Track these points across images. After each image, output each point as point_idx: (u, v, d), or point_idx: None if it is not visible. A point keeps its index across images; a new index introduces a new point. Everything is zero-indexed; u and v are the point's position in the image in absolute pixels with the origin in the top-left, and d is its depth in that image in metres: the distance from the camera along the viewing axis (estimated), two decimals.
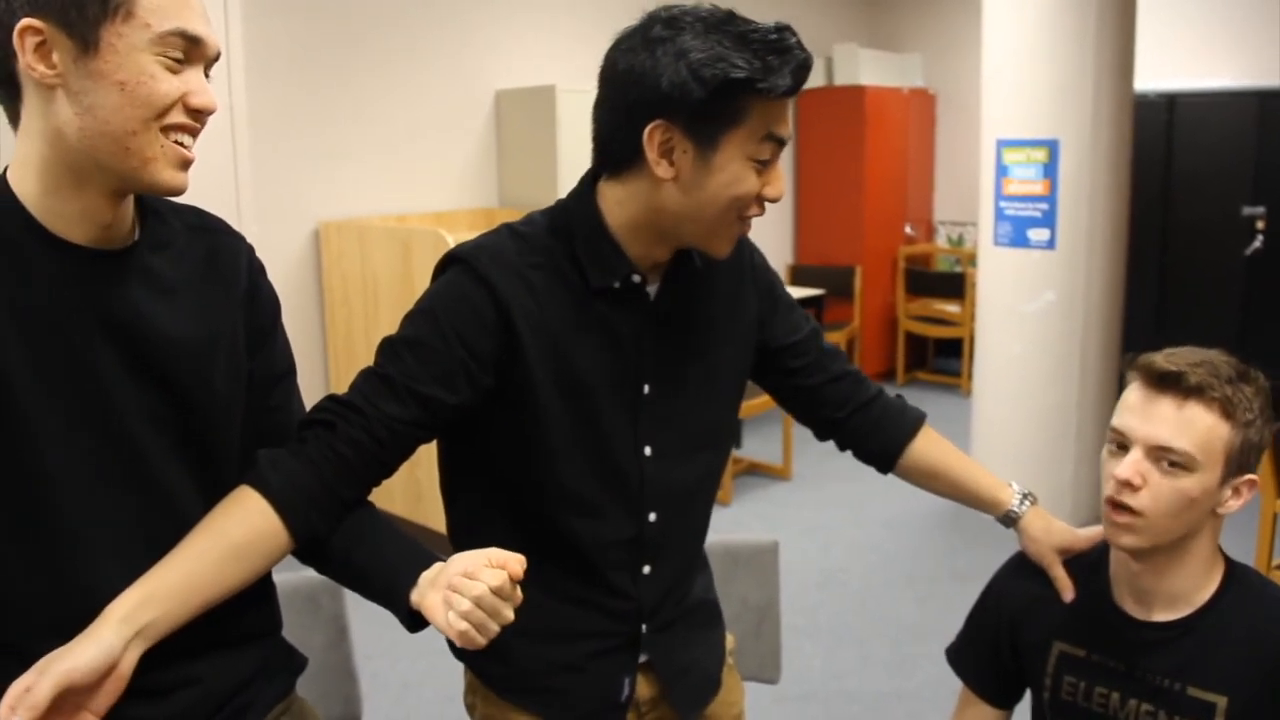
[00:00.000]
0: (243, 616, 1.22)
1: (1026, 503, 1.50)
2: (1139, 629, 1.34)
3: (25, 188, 1.06)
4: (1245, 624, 1.29)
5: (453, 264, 1.28)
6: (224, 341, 1.19)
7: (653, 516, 1.35)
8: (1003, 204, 4.33)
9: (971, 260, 6.30)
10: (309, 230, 4.41)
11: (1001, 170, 4.32)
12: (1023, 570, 1.49)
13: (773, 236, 6.84)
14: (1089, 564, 1.43)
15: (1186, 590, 1.32)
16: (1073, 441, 4.30)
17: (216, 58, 1.08)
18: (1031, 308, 4.26)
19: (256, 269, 1.26)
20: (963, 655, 1.55)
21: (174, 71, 1.03)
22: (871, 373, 6.79)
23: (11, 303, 1.04)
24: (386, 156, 4.66)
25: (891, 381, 6.90)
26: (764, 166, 1.22)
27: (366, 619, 1.48)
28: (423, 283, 1.39)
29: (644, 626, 1.38)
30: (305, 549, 1.24)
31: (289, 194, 4.31)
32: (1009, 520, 1.51)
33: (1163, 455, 1.24)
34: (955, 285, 6.52)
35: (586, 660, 1.37)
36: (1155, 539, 1.27)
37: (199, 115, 1.06)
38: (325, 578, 1.65)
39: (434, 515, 3.80)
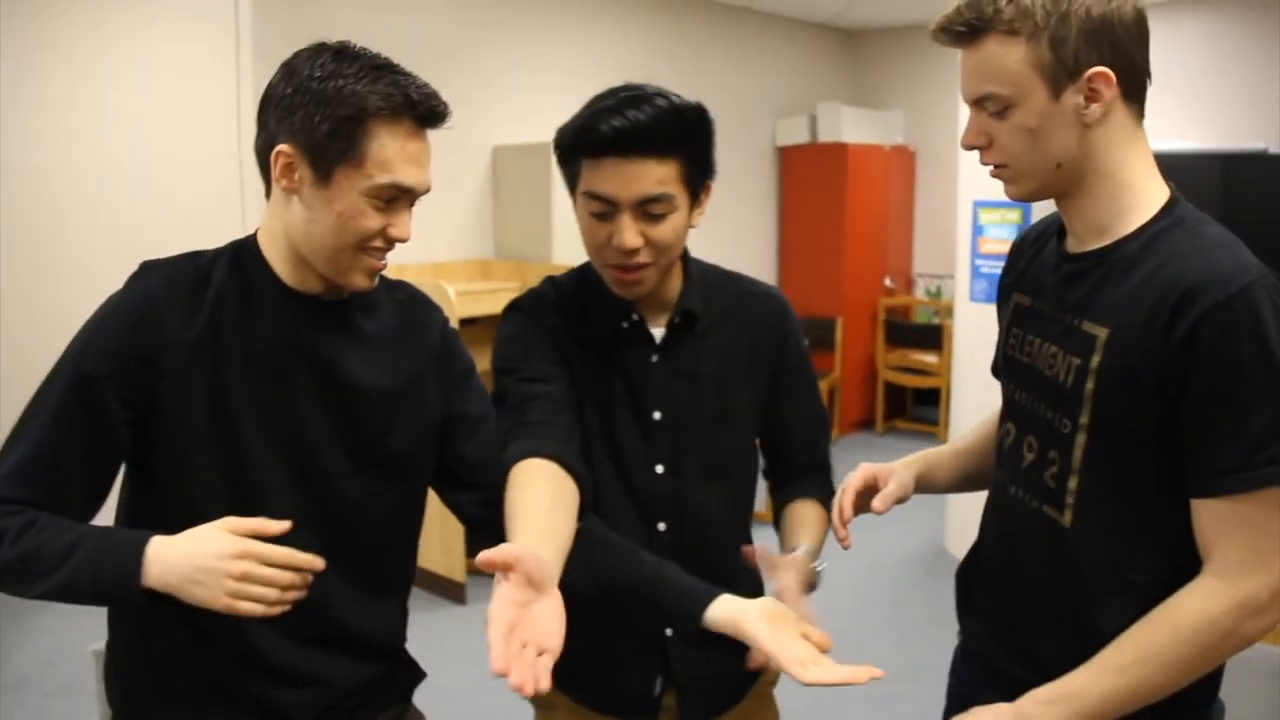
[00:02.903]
0: (375, 628, 1.43)
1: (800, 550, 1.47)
2: (1063, 262, 1.32)
3: (268, 251, 1.35)
4: (1156, 257, 1.21)
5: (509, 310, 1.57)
6: (413, 393, 1.43)
7: (661, 526, 1.51)
8: (979, 262, 4.51)
9: (949, 312, 6.45)
10: None
11: (977, 230, 4.51)
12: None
13: None
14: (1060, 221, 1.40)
15: (1106, 220, 1.26)
16: None
17: (425, 193, 1.32)
18: None
19: (450, 335, 1.52)
20: None
21: (381, 211, 1.28)
22: (851, 421, 6.95)
23: (243, 347, 1.30)
24: None
25: (871, 430, 7.05)
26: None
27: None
28: None
29: (668, 630, 1.51)
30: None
31: None
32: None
33: (985, 107, 1.24)
34: (933, 337, 6.69)
35: (622, 658, 1.53)
36: (1035, 178, 1.26)
37: (394, 242, 1.32)
38: None
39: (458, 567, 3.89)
